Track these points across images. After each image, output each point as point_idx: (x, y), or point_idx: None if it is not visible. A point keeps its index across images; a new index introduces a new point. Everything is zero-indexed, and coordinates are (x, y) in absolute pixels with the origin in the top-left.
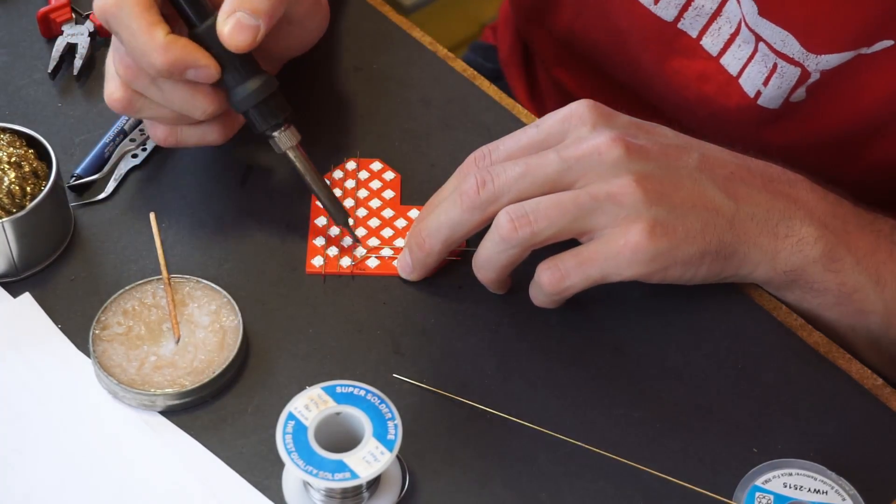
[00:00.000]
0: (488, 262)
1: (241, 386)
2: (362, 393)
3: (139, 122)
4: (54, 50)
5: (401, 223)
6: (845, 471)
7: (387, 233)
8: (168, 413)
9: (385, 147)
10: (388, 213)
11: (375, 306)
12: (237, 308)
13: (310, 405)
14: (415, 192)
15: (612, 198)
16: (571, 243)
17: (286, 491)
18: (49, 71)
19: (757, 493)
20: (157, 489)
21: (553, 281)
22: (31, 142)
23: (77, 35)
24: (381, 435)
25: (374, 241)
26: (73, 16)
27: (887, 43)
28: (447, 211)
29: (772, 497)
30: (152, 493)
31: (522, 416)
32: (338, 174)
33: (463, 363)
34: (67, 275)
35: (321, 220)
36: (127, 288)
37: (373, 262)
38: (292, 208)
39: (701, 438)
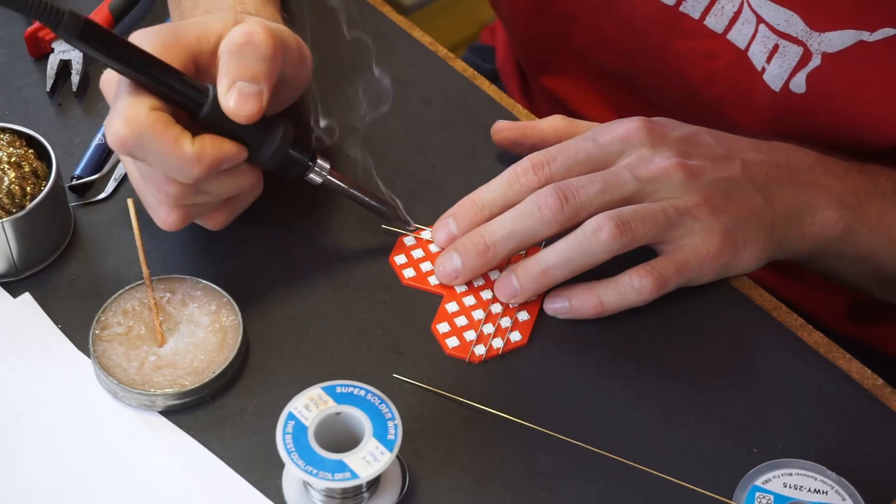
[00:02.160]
0: (568, 262)
1: (241, 386)
2: (362, 393)
3: None
4: (49, 68)
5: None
6: (845, 471)
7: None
8: (168, 413)
9: (385, 147)
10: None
11: (375, 306)
12: (237, 308)
13: (310, 405)
14: (414, 191)
15: (689, 212)
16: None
17: (286, 491)
18: (48, 90)
19: (757, 493)
20: (157, 489)
21: (655, 287)
22: (30, 142)
23: (69, 51)
24: (381, 435)
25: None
26: None
27: (889, 31)
28: (521, 220)
29: (772, 497)
30: (152, 493)
31: (522, 417)
32: None
33: (463, 363)
34: (67, 275)
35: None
36: (127, 288)
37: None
38: (293, 208)
39: (701, 438)
